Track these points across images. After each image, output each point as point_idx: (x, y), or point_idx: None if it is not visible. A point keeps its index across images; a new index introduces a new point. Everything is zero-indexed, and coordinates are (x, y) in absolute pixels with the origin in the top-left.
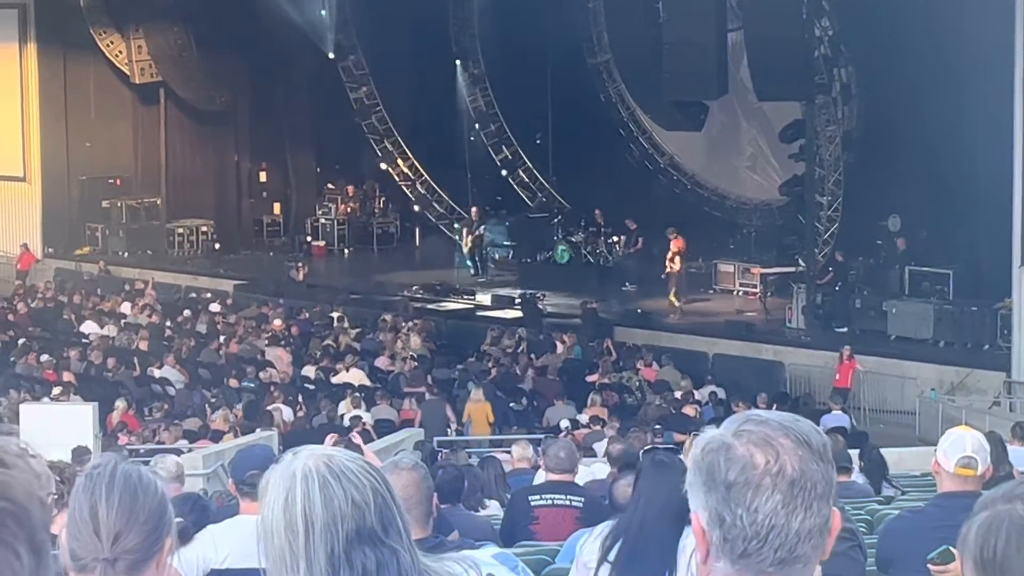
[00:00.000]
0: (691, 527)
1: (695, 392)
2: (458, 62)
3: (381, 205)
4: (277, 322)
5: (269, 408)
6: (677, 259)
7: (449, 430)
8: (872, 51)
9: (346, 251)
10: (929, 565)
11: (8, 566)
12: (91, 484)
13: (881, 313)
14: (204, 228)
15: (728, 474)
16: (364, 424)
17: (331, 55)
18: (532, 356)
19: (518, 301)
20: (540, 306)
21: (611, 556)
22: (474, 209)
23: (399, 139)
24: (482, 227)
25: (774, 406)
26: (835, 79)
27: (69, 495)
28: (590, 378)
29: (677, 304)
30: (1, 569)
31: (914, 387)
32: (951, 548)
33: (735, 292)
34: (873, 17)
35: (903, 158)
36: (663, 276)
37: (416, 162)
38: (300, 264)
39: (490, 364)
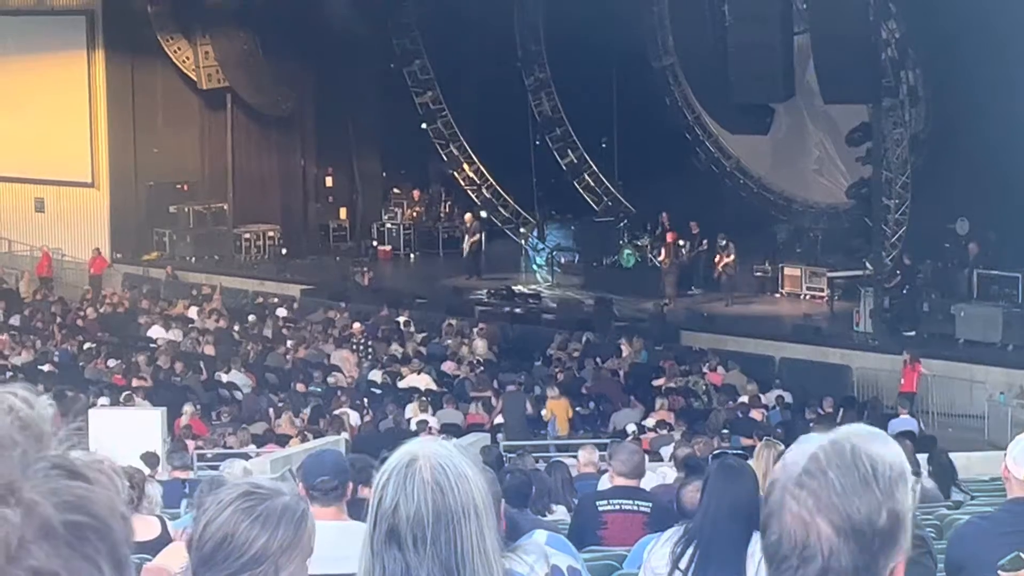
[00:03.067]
0: (759, 532)
1: (761, 396)
2: (523, 66)
3: (447, 210)
4: (357, 325)
5: (337, 412)
6: (661, 251)
7: (531, 429)
8: (939, 53)
9: (412, 256)
10: (1000, 572)
11: None
12: (211, 497)
13: (949, 316)
14: (271, 233)
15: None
16: (431, 428)
17: (392, 65)
18: (598, 360)
19: (591, 304)
20: (614, 310)
21: (682, 564)
22: (468, 215)
23: (464, 144)
24: (479, 233)
25: (841, 411)
26: (902, 81)
27: (138, 500)
28: (656, 382)
29: (662, 303)
30: None
31: (983, 391)
32: (1022, 555)
33: (802, 296)
34: (940, 19)
35: (971, 160)
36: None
37: (482, 166)
38: (366, 269)
39: (556, 369)
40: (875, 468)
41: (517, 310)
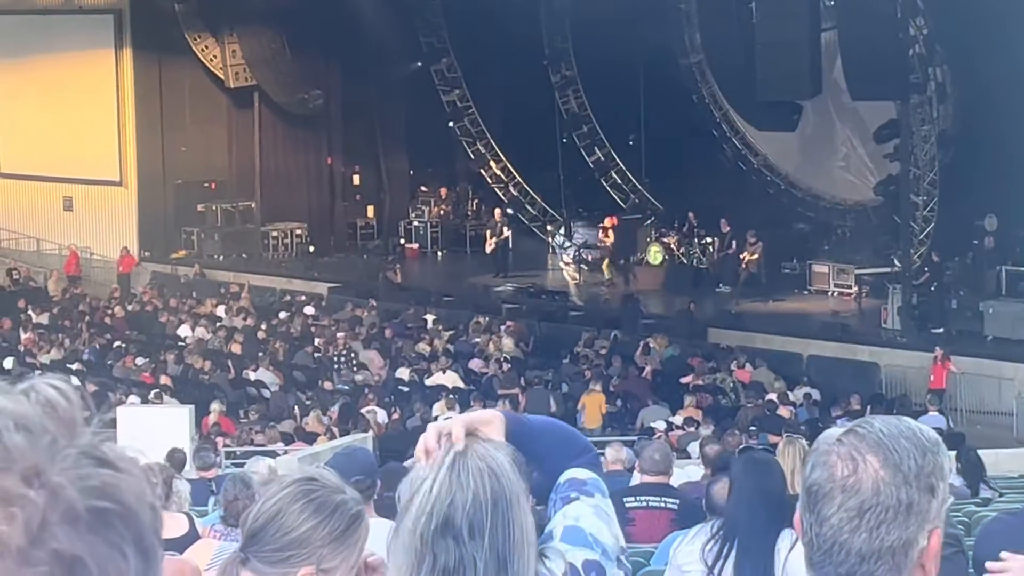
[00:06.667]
0: (787, 528)
1: (789, 393)
2: (550, 63)
3: (474, 207)
4: (388, 331)
5: (364, 410)
6: (611, 233)
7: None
8: (967, 50)
9: (439, 253)
10: None
11: (115, 567)
12: (276, 485)
13: (978, 313)
14: (298, 231)
15: (810, 477)
16: None
17: (419, 63)
18: (626, 358)
19: (618, 302)
20: (641, 308)
21: (712, 558)
22: (497, 211)
23: (492, 141)
24: (506, 229)
25: (868, 408)
26: (930, 78)
27: (166, 497)
28: (684, 379)
29: (608, 276)
30: (108, 570)
31: (1011, 388)
32: None
33: (830, 293)
34: (968, 15)
35: (999, 157)
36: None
37: (509, 164)
38: (398, 266)
39: (584, 366)
40: (919, 427)
41: (545, 308)
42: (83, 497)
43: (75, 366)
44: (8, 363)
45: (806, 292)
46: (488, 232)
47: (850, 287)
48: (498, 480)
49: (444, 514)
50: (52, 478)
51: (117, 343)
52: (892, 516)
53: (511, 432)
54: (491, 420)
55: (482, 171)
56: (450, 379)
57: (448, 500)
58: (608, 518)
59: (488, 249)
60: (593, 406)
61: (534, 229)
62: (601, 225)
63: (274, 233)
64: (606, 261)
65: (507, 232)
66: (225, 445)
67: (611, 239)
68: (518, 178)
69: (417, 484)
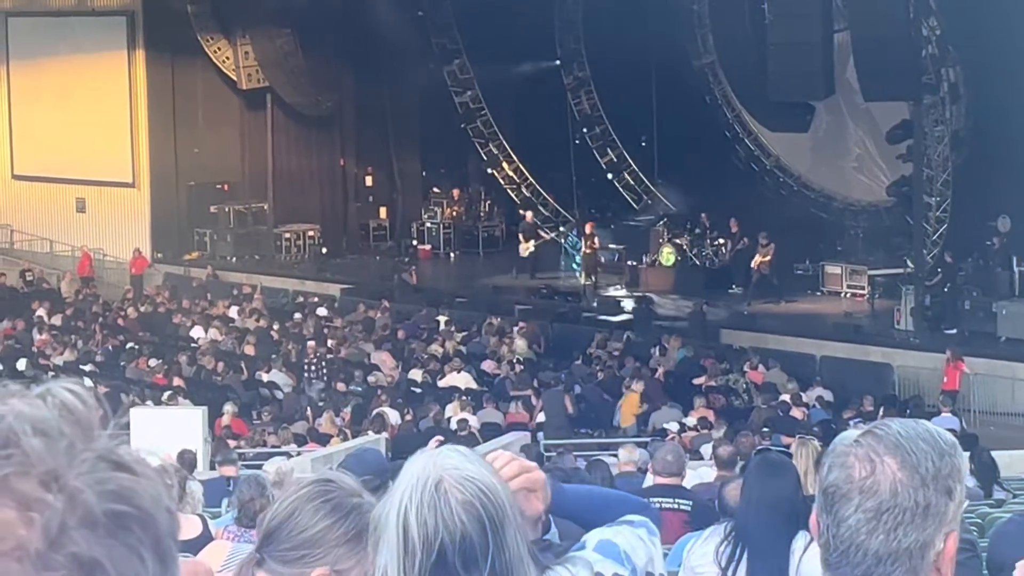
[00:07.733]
0: (803, 529)
1: (802, 395)
2: (563, 65)
3: (486, 209)
4: (400, 333)
5: (377, 412)
6: (596, 240)
7: (571, 427)
8: (980, 50)
9: (452, 255)
10: None
11: (133, 570)
12: (294, 486)
13: (991, 314)
14: (311, 232)
15: (828, 478)
16: (471, 428)
17: (431, 64)
18: (638, 359)
19: (631, 304)
20: (654, 309)
21: (726, 561)
22: (528, 213)
23: (504, 142)
24: (541, 232)
25: (881, 409)
26: (943, 79)
27: (180, 499)
28: (697, 381)
29: (584, 283)
30: (125, 573)
31: None
32: None
33: (842, 294)
34: (981, 16)
35: (1012, 157)
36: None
37: (521, 165)
38: (414, 268)
39: (596, 367)
40: (936, 430)
41: (558, 309)
42: (101, 501)
43: (88, 367)
44: (21, 364)
45: (819, 293)
46: (522, 236)
47: (863, 288)
48: (483, 509)
49: (437, 552)
50: (70, 482)
51: (130, 344)
52: (909, 518)
53: (551, 505)
54: (540, 490)
55: (495, 172)
56: (463, 380)
57: (436, 538)
58: (646, 547)
59: (524, 253)
60: (628, 406)
61: (546, 230)
62: (584, 233)
63: (287, 234)
64: (582, 268)
65: (545, 235)
66: (237, 447)
67: (596, 244)
68: (530, 179)
69: (406, 520)
